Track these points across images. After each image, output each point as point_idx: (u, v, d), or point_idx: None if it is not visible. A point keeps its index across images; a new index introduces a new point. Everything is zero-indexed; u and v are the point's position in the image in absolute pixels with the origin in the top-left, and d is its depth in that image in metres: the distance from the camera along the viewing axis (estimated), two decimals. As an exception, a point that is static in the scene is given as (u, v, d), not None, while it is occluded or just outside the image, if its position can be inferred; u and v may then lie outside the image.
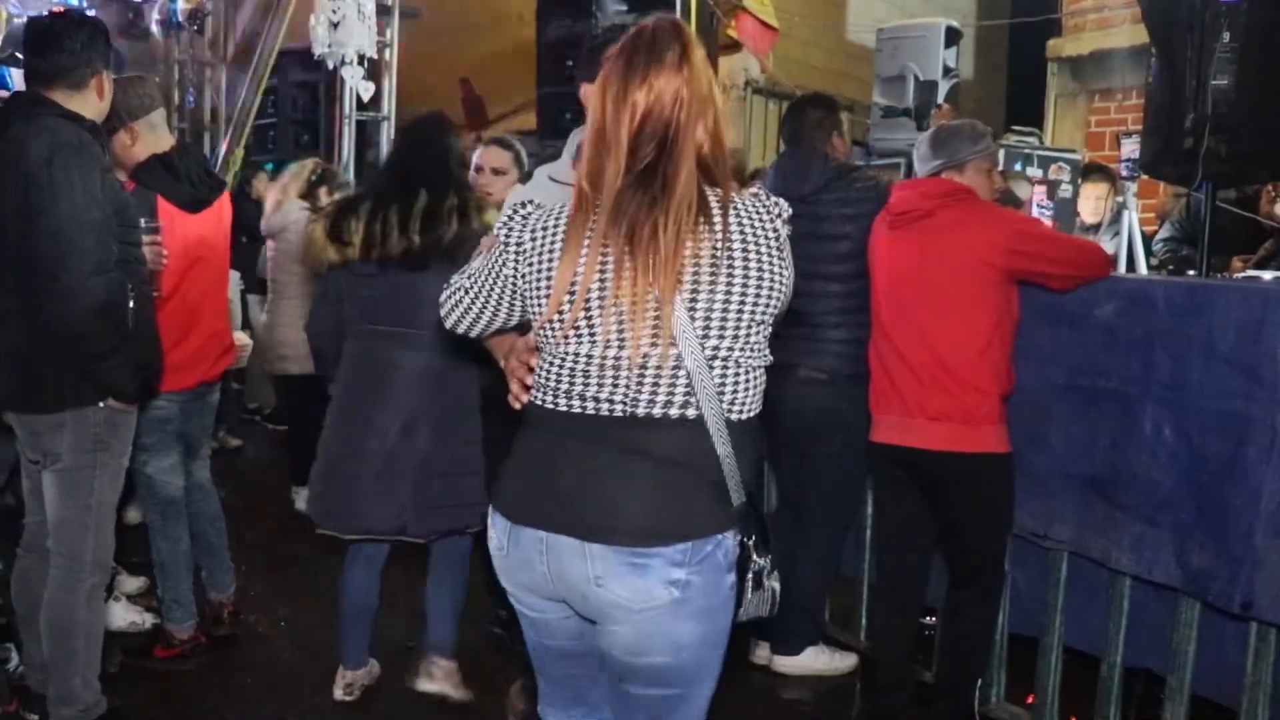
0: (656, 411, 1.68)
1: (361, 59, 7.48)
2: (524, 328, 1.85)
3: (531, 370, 1.81)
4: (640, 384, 1.68)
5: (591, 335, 1.69)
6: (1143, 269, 4.49)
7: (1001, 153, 4.48)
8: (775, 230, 1.71)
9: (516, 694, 3.06)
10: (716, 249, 1.66)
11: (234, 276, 5.09)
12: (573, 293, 1.68)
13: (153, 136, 3.27)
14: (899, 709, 3.05)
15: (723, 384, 1.69)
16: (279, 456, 6.22)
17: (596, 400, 1.70)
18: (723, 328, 1.67)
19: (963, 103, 5.35)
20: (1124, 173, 4.44)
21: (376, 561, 3.18)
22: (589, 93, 1.80)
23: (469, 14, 8.93)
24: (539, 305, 1.74)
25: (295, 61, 8.35)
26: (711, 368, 1.67)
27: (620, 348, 1.67)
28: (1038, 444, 2.91)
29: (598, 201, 1.69)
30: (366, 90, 7.70)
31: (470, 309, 1.86)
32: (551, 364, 1.75)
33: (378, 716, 3.23)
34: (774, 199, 1.74)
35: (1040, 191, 4.40)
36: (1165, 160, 3.42)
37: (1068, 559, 2.98)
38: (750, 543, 1.77)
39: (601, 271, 1.67)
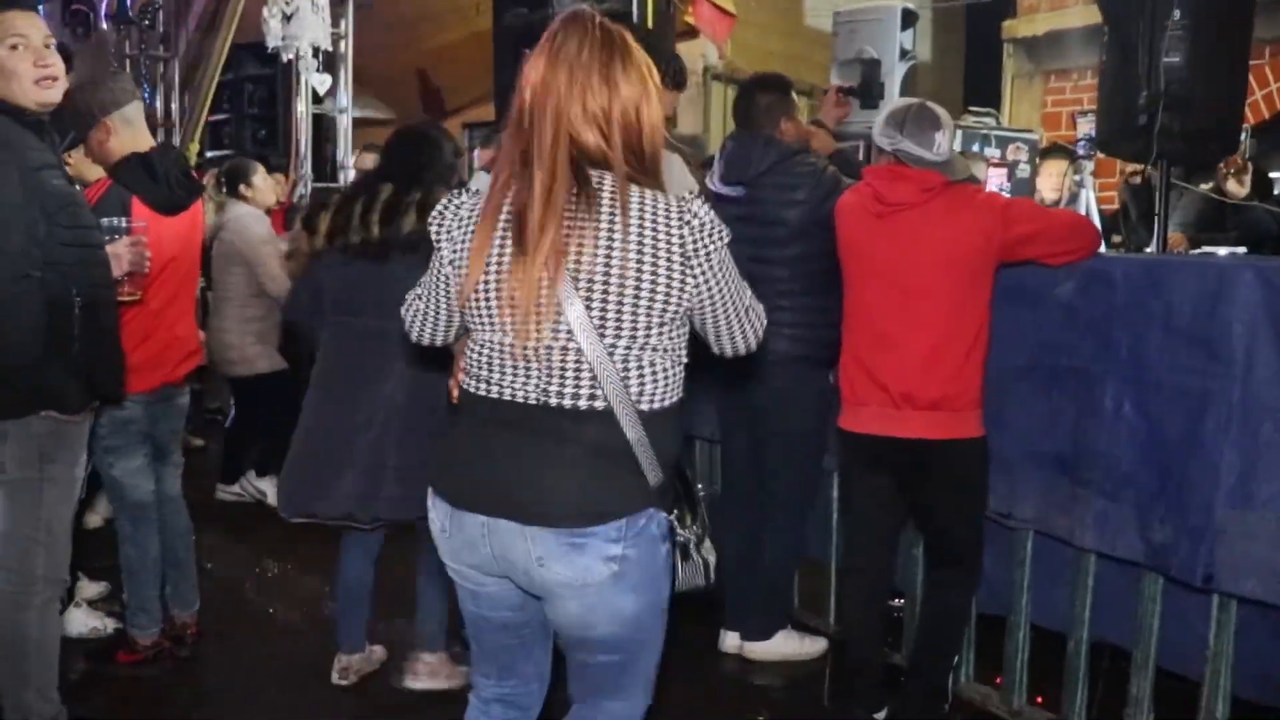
0: (567, 402, 1.74)
1: (316, 51, 7.39)
2: None
3: (460, 366, 1.88)
4: (549, 375, 1.73)
5: (491, 323, 1.76)
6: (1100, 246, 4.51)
7: (959, 134, 4.49)
8: (680, 237, 1.71)
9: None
10: (607, 246, 1.69)
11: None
12: (485, 280, 1.74)
13: (129, 132, 3.19)
14: (870, 691, 3.06)
15: (626, 377, 1.73)
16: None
17: (513, 389, 1.76)
18: (619, 325, 1.71)
19: (920, 84, 5.36)
20: (1080, 151, 4.46)
21: (372, 549, 3.24)
22: None
23: (425, 4, 8.85)
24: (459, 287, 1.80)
25: (250, 56, 8.25)
26: (613, 361, 1.71)
27: (518, 336, 1.72)
28: (1000, 424, 2.92)
29: (518, 185, 1.72)
30: (322, 83, 7.61)
31: (421, 314, 1.92)
32: (475, 351, 1.82)
33: (360, 707, 3.20)
34: (690, 208, 1.73)
35: (1000, 174, 4.41)
36: (1120, 138, 3.43)
37: (1032, 537, 3.00)
38: (673, 516, 1.88)
39: (500, 259, 1.73)
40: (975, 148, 4.74)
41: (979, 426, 2.84)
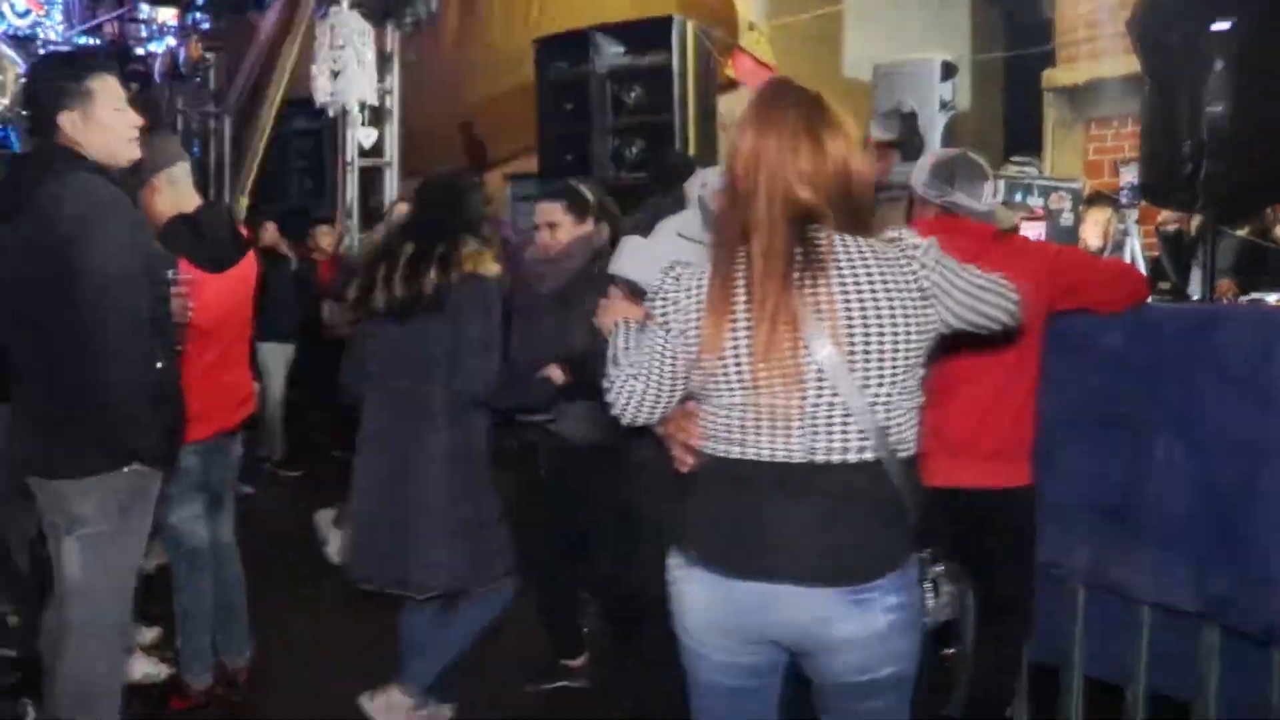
0: (835, 458, 1.76)
1: (363, 106, 7.55)
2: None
3: (693, 433, 1.88)
4: (815, 431, 1.75)
5: (743, 386, 1.76)
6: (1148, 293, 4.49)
7: (1002, 184, 4.49)
8: (914, 275, 1.77)
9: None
10: (857, 298, 1.73)
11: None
12: (734, 344, 1.75)
13: (173, 192, 3.26)
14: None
15: (887, 426, 1.77)
16: (290, 503, 6.22)
17: (772, 448, 1.77)
18: (880, 374, 1.75)
19: (961, 134, 5.38)
20: (1124, 199, 4.46)
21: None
22: None
23: (469, 58, 9.02)
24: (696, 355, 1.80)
25: (298, 110, 8.45)
26: (875, 412, 1.75)
27: (777, 396, 1.73)
28: (1050, 472, 2.90)
29: (744, 249, 1.77)
30: (368, 137, 7.78)
31: (640, 395, 1.90)
32: (718, 415, 1.81)
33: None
34: (911, 241, 1.81)
35: (1038, 226, 4.38)
36: (1166, 187, 3.43)
37: (1085, 588, 2.97)
38: (927, 555, 1.91)
39: (745, 325, 1.75)
40: (1018, 197, 4.74)
41: (1030, 474, 2.84)
